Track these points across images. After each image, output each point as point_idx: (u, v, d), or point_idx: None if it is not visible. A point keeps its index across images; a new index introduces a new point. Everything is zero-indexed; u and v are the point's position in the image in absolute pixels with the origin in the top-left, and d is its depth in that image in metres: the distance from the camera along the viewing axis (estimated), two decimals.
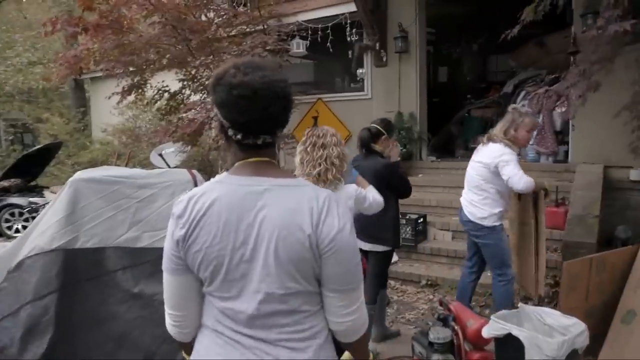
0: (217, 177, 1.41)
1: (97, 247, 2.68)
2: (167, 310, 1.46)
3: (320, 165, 2.68)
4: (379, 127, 3.62)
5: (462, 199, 3.88)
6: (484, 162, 3.64)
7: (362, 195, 2.93)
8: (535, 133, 6.44)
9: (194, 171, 3.10)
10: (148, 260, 2.62)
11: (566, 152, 6.27)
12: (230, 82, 1.30)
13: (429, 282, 5.08)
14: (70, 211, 2.71)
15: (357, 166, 3.55)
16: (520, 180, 3.48)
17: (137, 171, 3.08)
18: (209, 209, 1.33)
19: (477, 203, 3.70)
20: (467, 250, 4.10)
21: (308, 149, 2.73)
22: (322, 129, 2.76)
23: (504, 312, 2.95)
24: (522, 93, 6.95)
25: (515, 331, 2.65)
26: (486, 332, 2.83)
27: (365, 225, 3.21)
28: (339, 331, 1.43)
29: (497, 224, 3.65)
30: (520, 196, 3.83)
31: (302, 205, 1.32)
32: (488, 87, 8.95)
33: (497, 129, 3.69)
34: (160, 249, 1.44)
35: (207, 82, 7.07)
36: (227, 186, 1.36)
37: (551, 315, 2.85)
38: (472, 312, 3.38)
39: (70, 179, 2.84)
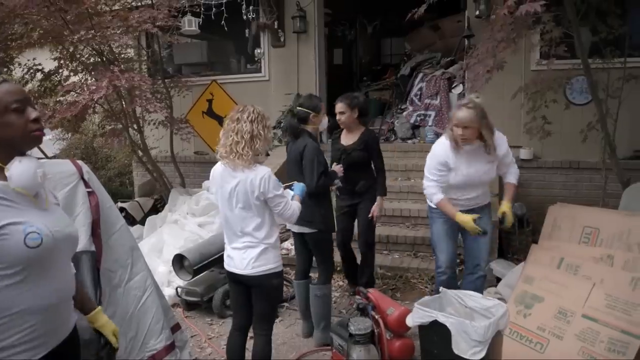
0: None
1: None
2: None
3: (230, 137, 2.59)
4: (305, 109, 3.49)
5: None
6: None
7: (279, 189, 2.64)
8: (434, 115, 6.59)
9: (79, 161, 2.62)
10: None
11: None
12: None
13: (339, 268, 4.96)
14: None
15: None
16: (426, 191, 3.33)
17: None
18: None
19: None
20: None
21: (226, 122, 2.67)
22: (246, 106, 2.67)
23: (426, 298, 2.88)
24: (420, 75, 7.06)
25: (442, 318, 2.57)
26: (411, 321, 2.74)
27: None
28: None
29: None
30: None
31: None
32: (384, 70, 9.04)
33: None
34: None
35: (88, 61, 6.32)
36: None
37: (472, 298, 2.82)
38: (390, 300, 3.29)
39: None
